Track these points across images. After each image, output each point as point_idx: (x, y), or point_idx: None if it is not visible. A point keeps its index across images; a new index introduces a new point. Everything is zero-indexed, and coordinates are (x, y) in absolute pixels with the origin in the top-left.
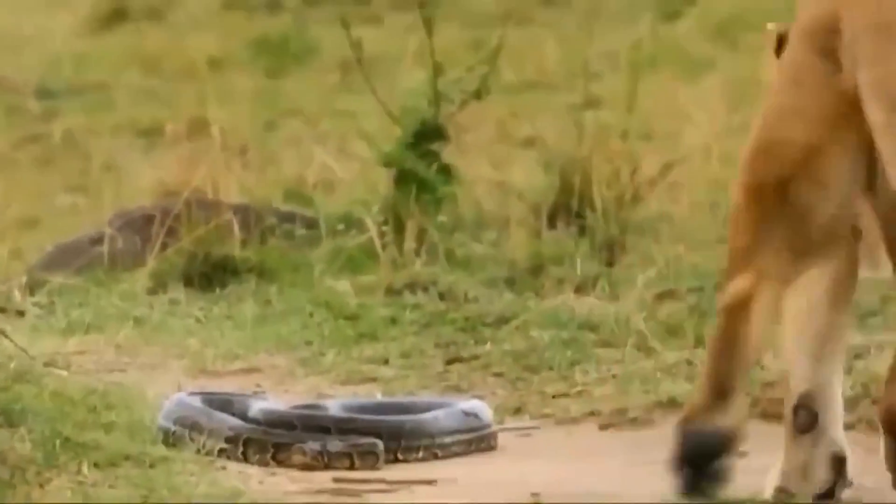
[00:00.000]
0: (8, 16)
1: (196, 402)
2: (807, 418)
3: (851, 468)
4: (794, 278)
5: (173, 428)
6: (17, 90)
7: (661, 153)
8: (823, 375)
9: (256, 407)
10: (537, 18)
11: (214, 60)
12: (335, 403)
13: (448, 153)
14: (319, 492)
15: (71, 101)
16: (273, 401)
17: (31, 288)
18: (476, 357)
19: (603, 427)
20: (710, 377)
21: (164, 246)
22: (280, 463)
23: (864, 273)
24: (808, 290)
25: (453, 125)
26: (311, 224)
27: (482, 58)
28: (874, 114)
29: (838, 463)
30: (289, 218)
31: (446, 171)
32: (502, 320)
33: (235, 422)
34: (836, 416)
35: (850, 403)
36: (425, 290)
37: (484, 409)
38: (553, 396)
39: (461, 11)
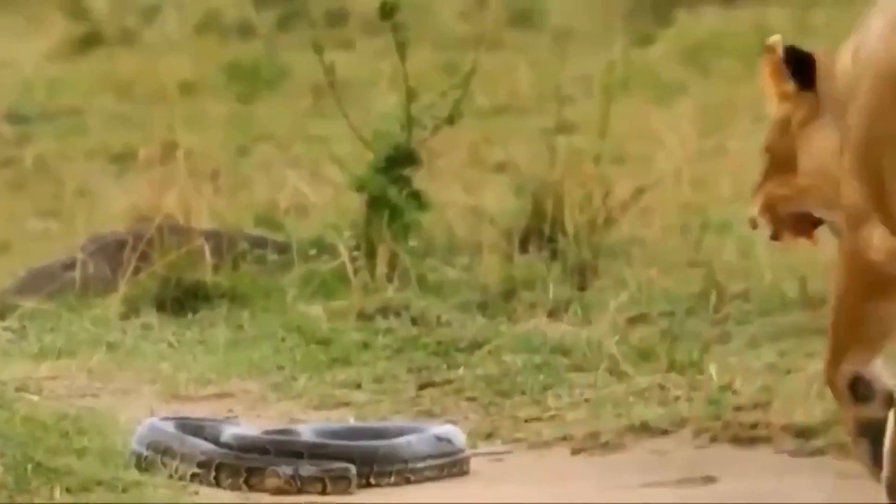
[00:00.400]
0: None
1: (168, 426)
2: None
3: (823, 493)
4: None
5: (146, 453)
6: None
7: (634, 177)
8: None
9: (229, 432)
10: (509, 42)
11: (187, 85)
12: (307, 428)
13: (420, 178)
14: None
15: (43, 125)
16: (245, 426)
17: (3, 312)
18: (449, 382)
19: (575, 451)
20: None
21: (137, 271)
22: (252, 487)
23: None
24: None
25: (426, 150)
26: (283, 249)
27: (454, 82)
28: None
29: None
30: (260, 243)
31: (418, 196)
32: (475, 345)
33: (208, 446)
34: None
35: (822, 428)
36: (397, 314)
37: (456, 434)
38: (525, 421)
39: (433, 35)
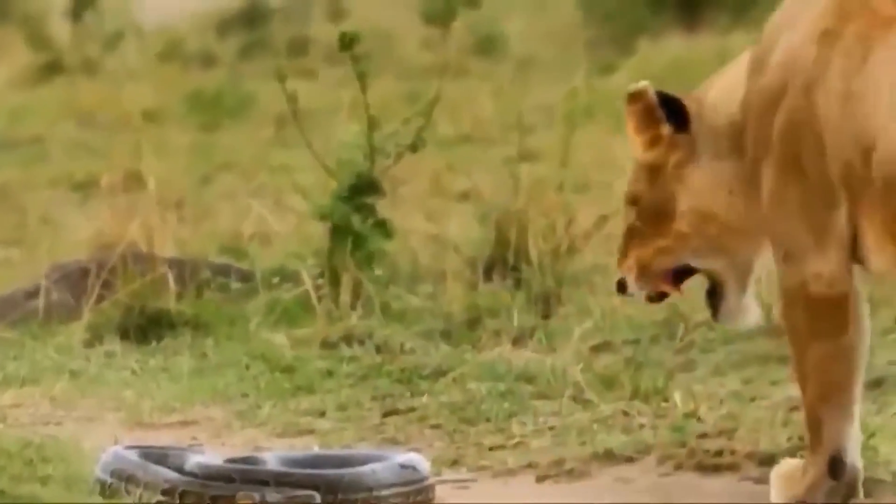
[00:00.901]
0: None
1: (132, 455)
2: None
3: None
4: None
5: (109, 480)
6: None
7: (596, 205)
8: None
9: (193, 460)
10: (472, 71)
11: (149, 113)
12: (272, 456)
13: (383, 206)
14: None
15: (6, 154)
16: (209, 455)
17: None
18: (413, 409)
19: (540, 479)
20: None
21: (100, 299)
22: None
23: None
24: None
25: (389, 178)
26: (247, 277)
27: (417, 111)
28: None
29: None
30: (224, 271)
31: (382, 225)
32: (439, 373)
33: (171, 474)
34: None
35: (787, 455)
36: (361, 342)
37: (421, 462)
38: (490, 448)
39: (396, 64)
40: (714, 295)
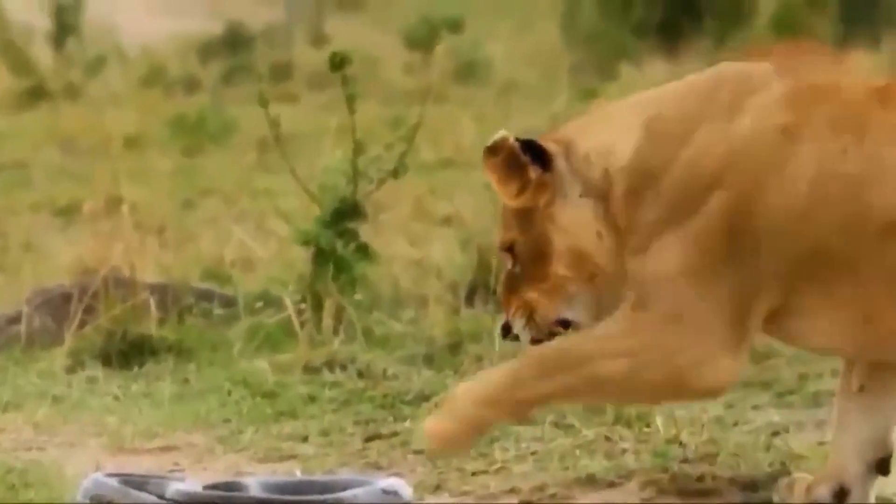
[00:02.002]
0: None
1: (113, 482)
2: None
3: None
4: None
5: None
6: None
7: None
8: None
9: (173, 487)
10: (454, 96)
11: (132, 139)
12: (255, 482)
13: (366, 231)
14: None
15: None
16: (190, 482)
17: None
18: (395, 434)
19: None
20: None
21: (82, 324)
22: None
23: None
24: None
25: (371, 203)
26: (229, 302)
27: (400, 136)
28: None
29: None
30: (206, 296)
31: (364, 250)
32: (421, 398)
33: (152, 499)
34: None
35: (768, 480)
36: (344, 367)
37: (402, 487)
38: (473, 473)
39: (379, 89)
40: None
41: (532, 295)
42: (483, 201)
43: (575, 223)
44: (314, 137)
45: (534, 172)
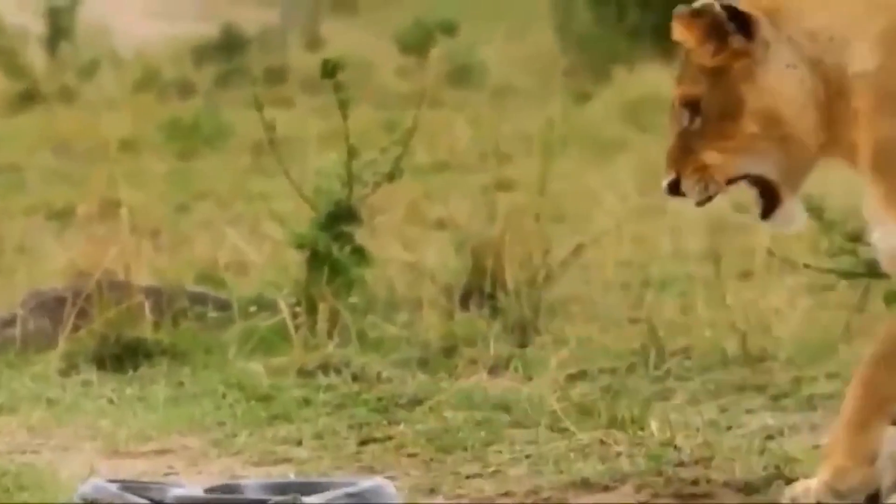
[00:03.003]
0: None
1: (112, 487)
2: None
3: None
4: None
5: None
6: None
7: (573, 234)
8: None
9: (173, 493)
10: (449, 100)
11: (126, 142)
12: (253, 483)
13: (361, 235)
14: None
15: None
16: (190, 487)
17: None
18: (390, 438)
19: None
20: None
21: (76, 327)
22: None
23: None
24: None
25: (366, 207)
26: (224, 306)
27: (395, 139)
28: None
29: None
30: (201, 300)
31: (359, 253)
32: (415, 401)
33: None
34: None
35: (763, 484)
36: (338, 371)
37: (384, 489)
38: (467, 477)
39: (373, 93)
40: (767, 197)
41: (712, 154)
42: (478, 205)
43: (777, 87)
44: (309, 141)
45: (737, 42)
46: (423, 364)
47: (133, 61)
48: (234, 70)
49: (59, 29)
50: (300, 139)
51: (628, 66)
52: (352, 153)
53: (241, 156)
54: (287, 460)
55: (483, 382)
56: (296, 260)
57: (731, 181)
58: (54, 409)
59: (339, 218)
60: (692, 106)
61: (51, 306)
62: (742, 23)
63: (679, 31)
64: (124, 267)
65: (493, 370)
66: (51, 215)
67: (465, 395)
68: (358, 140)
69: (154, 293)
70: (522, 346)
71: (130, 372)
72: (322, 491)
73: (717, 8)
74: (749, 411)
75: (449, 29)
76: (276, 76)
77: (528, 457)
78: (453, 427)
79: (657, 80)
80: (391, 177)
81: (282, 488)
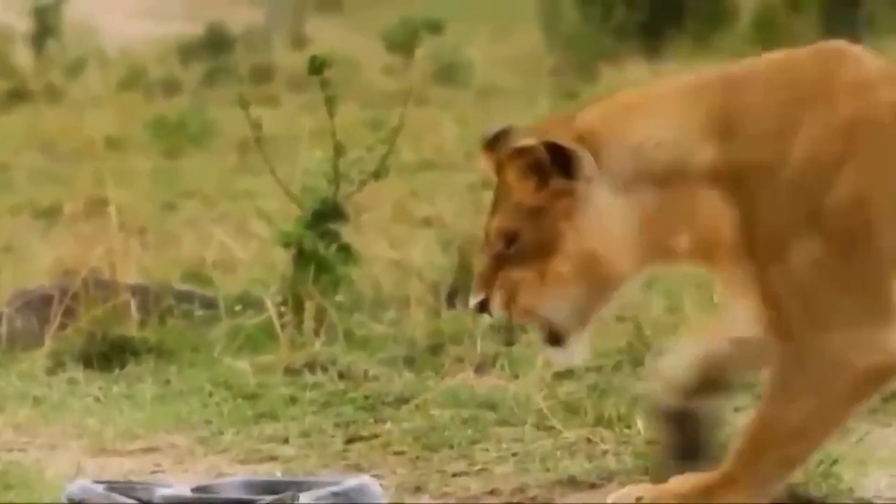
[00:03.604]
0: None
1: (98, 487)
2: None
3: None
4: None
5: None
6: None
7: None
8: None
9: (160, 493)
10: (435, 98)
11: (112, 141)
12: (236, 481)
13: (347, 233)
14: None
15: None
16: (178, 487)
17: None
18: (376, 436)
19: None
20: None
21: (63, 326)
22: None
23: None
24: None
25: (352, 205)
26: (210, 304)
27: (381, 138)
28: None
29: None
30: (187, 298)
31: (345, 251)
32: (402, 399)
33: None
34: None
35: None
36: (325, 369)
37: (369, 487)
38: (453, 475)
39: (359, 92)
40: (553, 338)
41: (520, 277)
42: (464, 203)
43: (597, 227)
44: (295, 139)
45: (559, 184)
46: (410, 362)
47: (119, 60)
48: (219, 69)
49: (45, 27)
50: (286, 137)
51: (615, 64)
52: (338, 151)
53: (227, 154)
54: (273, 458)
55: (470, 380)
56: (282, 258)
57: (529, 316)
58: (41, 408)
59: (326, 216)
60: (509, 238)
61: (37, 304)
62: (564, 160)
63: (495, 167)
64: (111, 265)
65: (480, 368)
66: (37, 214)
67: (451, 394)
68: (344, 138)
69: (141, 291)
70: (509, 344)
71: (117, 370)
72: (307, 489)
73: (541, 150)
74: (735, 409)
75: (435, 27)
76: (261, 75)
77: (514, 455)
78: (440, 425)
79: (644, 78)
80: (377, 175)
81: (267, 487)
